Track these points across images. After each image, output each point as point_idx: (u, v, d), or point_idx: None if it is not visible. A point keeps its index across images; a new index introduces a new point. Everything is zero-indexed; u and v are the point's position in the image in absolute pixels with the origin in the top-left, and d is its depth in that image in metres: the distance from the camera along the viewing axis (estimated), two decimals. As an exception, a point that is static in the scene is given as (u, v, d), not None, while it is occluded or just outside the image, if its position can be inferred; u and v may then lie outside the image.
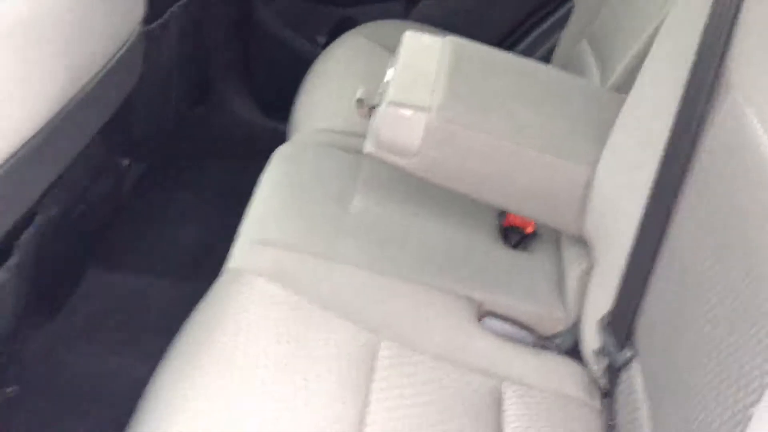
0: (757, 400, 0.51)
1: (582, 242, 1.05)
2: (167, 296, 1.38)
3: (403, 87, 1.00)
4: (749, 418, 0.51)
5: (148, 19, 1.12)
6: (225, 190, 1.42)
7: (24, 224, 0.92)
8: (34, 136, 0.73)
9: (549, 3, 1.72)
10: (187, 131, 1.73)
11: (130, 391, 0.88)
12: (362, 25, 1.64)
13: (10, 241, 0.89)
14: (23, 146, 0.72)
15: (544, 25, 1.72)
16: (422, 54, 1.06)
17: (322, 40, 1.79)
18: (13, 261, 0.89)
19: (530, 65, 1.18)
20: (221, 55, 1.76)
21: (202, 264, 1.03)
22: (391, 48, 1.17)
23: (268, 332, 0.91)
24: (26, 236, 0.91)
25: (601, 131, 0.97)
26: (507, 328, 1.06)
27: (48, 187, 0.88)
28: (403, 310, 1.01)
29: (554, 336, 1.06)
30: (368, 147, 1.00)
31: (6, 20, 0.70)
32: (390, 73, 1.04)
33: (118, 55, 0.90)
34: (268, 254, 1.03)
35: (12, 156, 0.73)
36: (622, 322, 0.86)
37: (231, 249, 1.06)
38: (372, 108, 1.03)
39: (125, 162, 1.42)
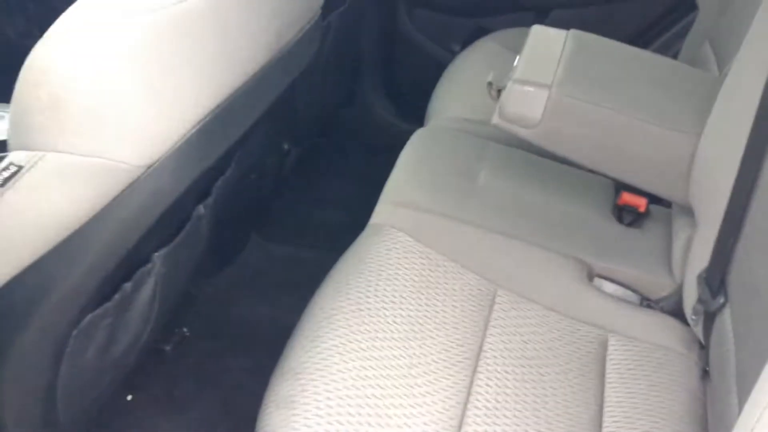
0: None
1: (688, 214, 1.15)
2: (312, 263, 1.59)
3: (528, 68, 1.15)
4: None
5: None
6: (363, 179, 1.61)
7: (217, 174, 1.14)
8: (227, 98, 0.93)
9: (675, 10, 1.80)
10: (335, 125, 1.96)
11: (280, 334, 1.03)
12: (494, 32, 1.80)
13: (209, 184, 1.11)
14: (219, 104, 0.92)
15: (671, 31, 1.81)
16: (547, 42, 1.21)
17: (457, 48, 1.96)
18: (210, 200, 1.10)
19: (643, 53, 1.29)
20: (369, 61, 1.99)
21: (340, 240, 1.21)
22: (520, 51, 1.31)
23: (402, 276, 1.08)
24: (220, 183, 1.12)
25: (705, 107, 1.07)
26: (615, 288, 1.17)
27: (233, 146, 1.09)
28: (520, 266, 1.15)
29: (659, 299, 1.16)
30: (495, 119, 1.16)
31: (205, 5, 0.88)
32: (518, 60, 1.19)
33: (296, 40, 1.11)
34: (405, 213, 1.20)
35: (213, 110, 0.93)
36: (716, 273, 0.96)
37: (374, 209, 1.24)
38: (500, 90, 1.19)
39: (286, 146, 1.65)
